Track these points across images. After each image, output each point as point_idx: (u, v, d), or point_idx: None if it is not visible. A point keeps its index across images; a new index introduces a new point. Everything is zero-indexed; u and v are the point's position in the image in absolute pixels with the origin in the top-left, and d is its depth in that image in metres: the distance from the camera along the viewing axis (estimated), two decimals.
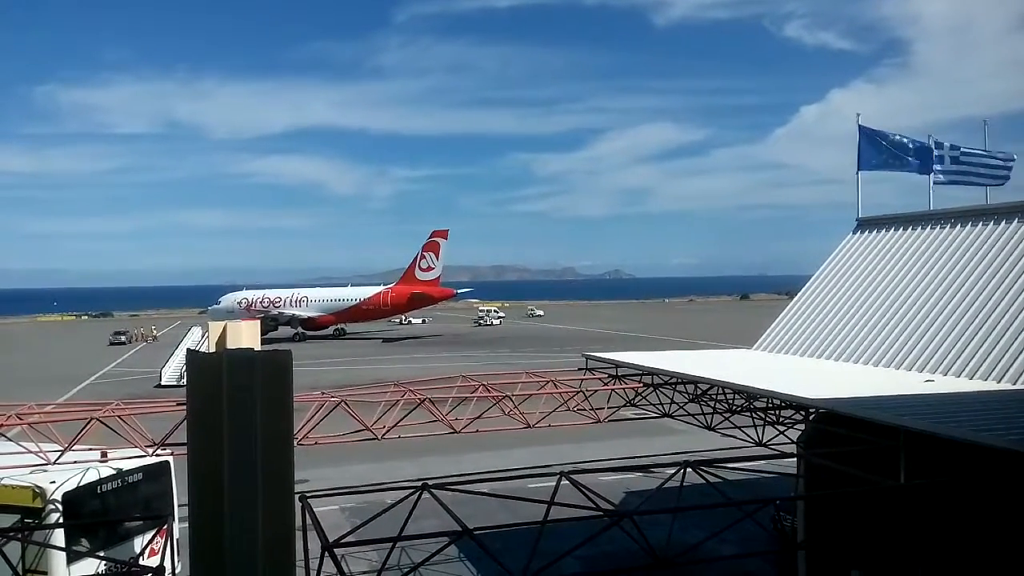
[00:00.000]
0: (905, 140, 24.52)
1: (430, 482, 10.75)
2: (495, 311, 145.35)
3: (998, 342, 17.17)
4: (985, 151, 24.70)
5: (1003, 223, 20.06)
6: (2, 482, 15.65)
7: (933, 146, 24.33)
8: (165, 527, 12.21)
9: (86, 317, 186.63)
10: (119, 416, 17.34)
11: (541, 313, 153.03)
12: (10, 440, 17.53)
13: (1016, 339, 16.87)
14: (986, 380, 16.61)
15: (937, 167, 24.19)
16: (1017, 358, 16.50)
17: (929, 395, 15.43)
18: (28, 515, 15.22)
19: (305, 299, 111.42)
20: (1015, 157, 24.82)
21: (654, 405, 21.17)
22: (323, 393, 19.78)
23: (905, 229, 22.87)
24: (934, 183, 24.03)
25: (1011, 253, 19.05)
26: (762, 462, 15.24)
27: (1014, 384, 16.03)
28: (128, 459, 17.35)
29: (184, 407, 11.44)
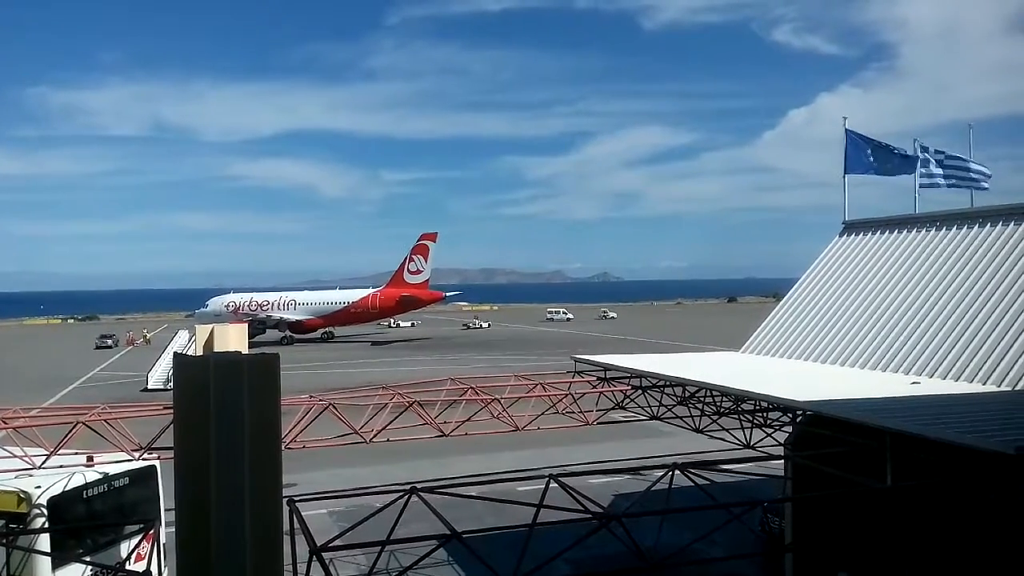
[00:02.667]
0: (891, 147, 24.72)
1: (419, 485, 10.74)
2: (563, 312, 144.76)
3: (983, 344, 17.30)
4: (966, 160, 24.95)
5: (988, 226, 20.22)
6: None
7: (919, 151, 24.53)
8: (152, 532, 12.16)
9: (72, 320, 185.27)
10: (105, 420, 17.23)
11: (614, 315, 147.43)
12: None
13: (1001, 341, 17.00)
14: (972, 382, 16.73)
15: (922, 170, 24.39)
16: (1002, 360, 16.63)
17: (915, 397, 15.52)
18: (13, 520, 15.09)
19: (293, 302, 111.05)
20: (990, 173, 25.14)
21: (642, 408, 21.20)
22: (311, 396, 19.72)
23: (891, 232, 23.01)
24: (919, 187, 24.22)
25: (996, 256, 19.21)
26: (750, 464, 15.28)
27: (999, 386, 16.15)
28: (114, 463, 17.23)
29: (171, 411, 11.39)
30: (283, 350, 55.03)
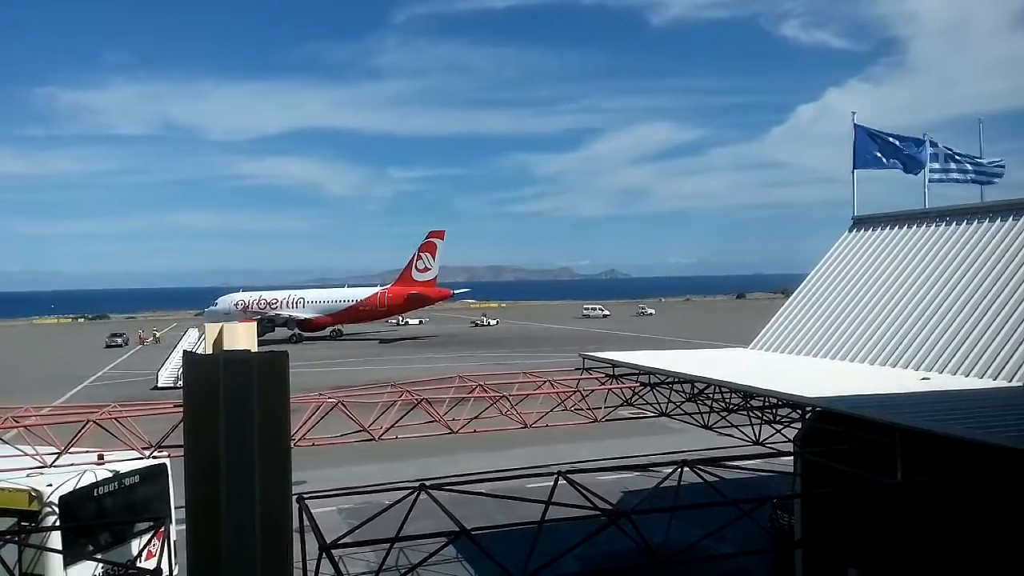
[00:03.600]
0: (900, 138, 24.60)
1: (428, 482, 10.76)
2: (600, 308, 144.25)
3: (994, 339, 17.21)
4: (975, 156, 24.81)
5: (998, 220, 20.11)
6: None
7: (928, 145, 24.42)
8: (162, 529, 12.21)
9: (83, 320, 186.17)
10: (116, 418, 17.31)
11: (652, 312, 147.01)
12: (6, 443, 17.49)
13: (1012, 336, 16.91)
14: (982, 377, 16.65)
15: (933, 165, 24.27)
16: (1013, 355, 16.54)
17: (925, 393, 15.47)
18: (25, 518, 15.18)
19: (302, 300, 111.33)
20: (1004, 163, 24.99)
21: (651, 404, 21.18)
22: (320, 394, 19.77)
23: (900, 227, 22.92)
24: (928, 181, 24.11)
25: (1006, 251, 19.11)
26: (759, 461, 15.28)
27: (1010, 381, 16.07)
28: (125, 461, 17.32)
29: (181, 409, 11.43)
30: (292, 348, 55.22)
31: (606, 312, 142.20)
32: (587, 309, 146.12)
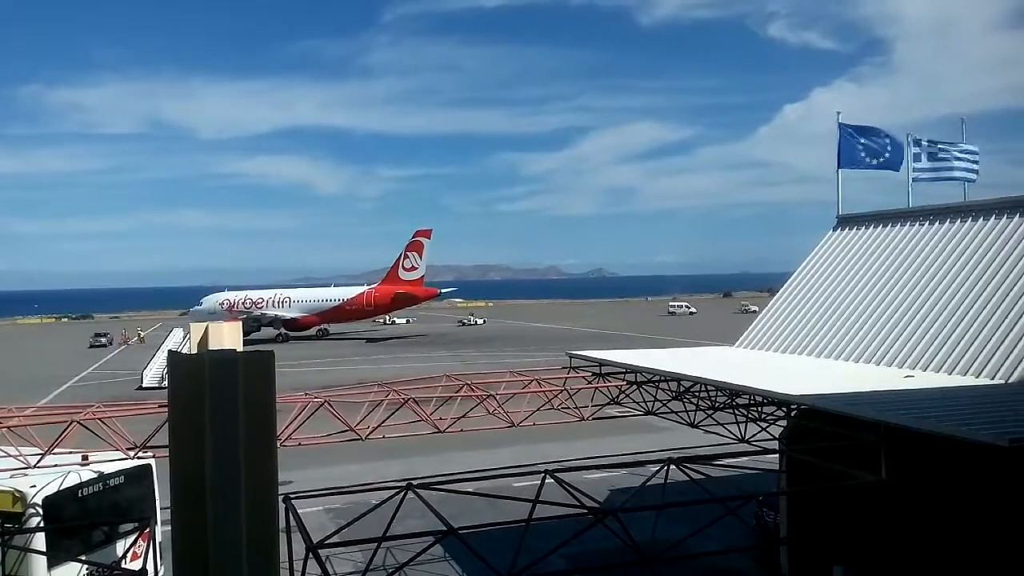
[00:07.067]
0: (883, 134, 24.76)
1: (415, 482, 10.76)
2: (686, 306, 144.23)
3: (976, 337, 17.36)
4: (954, 144, 25.06)
5: (980, 220, 20.29)
6: None
7: (912, 143, 24.59)
8: (147, 530, 12.15)
9: (66, 319, 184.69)
10: (100, 419, 17.18)
11: (755, 308, 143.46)
12: None
13: (994, 334, 17.06)
14: (965, 375, 16.78)
15: (916, 165, 24.44)
16: (995, 353, 16.69)
17: (909, 390, 15.58)
18: (8, 520, 15.07)
19: (288, 300, 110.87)
20: (977, 149, 25.24)
21: (637, 403, 21.23)
22: (306, 394, 19.69)
23: (885, 226, 23.07)
24: (913, 180, 24.29)
25: (989, 249, 19.27)
26: (745, 458, 15.31)
27: (992, 379, 16.22)
28: (110, 462, 17.20)
29: (166, 409, 11.37)
30: (278, 348, 54.96)
31: (692, 310, 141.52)
32: (672, 306, 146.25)
